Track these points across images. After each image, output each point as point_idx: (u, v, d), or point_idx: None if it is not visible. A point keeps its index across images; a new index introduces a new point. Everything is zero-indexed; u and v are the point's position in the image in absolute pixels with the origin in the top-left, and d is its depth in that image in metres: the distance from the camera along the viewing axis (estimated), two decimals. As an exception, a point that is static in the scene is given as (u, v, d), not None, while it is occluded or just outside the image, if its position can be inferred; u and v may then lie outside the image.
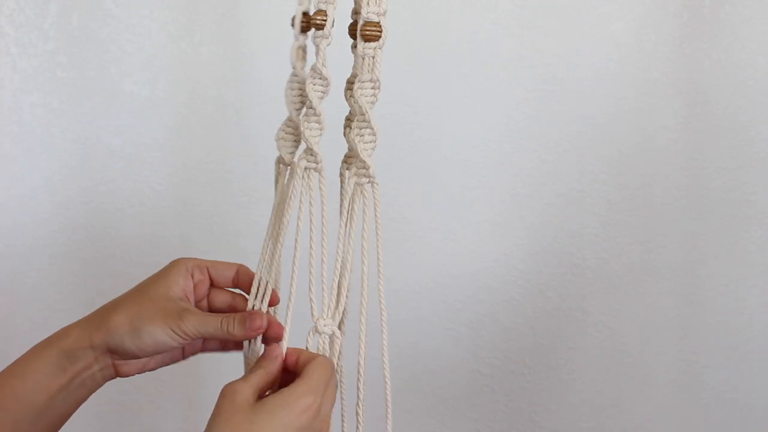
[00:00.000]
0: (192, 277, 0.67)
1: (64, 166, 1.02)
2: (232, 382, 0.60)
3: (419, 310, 1.12)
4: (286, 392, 0.58)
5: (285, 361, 0.63)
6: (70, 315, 1.04)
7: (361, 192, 0.65)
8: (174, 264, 0.67)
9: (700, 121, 1.13)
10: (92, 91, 1.01)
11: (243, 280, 0.68)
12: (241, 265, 0.69)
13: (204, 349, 0.69)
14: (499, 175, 1.11)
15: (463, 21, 1.07)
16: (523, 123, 1.10)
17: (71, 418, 1.10)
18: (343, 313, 0.67)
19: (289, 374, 0.62)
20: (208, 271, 0.68)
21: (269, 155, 1.08)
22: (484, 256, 1.12)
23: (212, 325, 0.63)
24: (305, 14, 0.64)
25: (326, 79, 0.63)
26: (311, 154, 0.64)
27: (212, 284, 0.68)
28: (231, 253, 1.07)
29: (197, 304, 0.67)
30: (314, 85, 0.63)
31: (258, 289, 0.66)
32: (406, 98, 1.07)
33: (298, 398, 0.57)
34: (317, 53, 0.63)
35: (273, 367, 0.62)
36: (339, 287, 0.65)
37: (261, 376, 0.61)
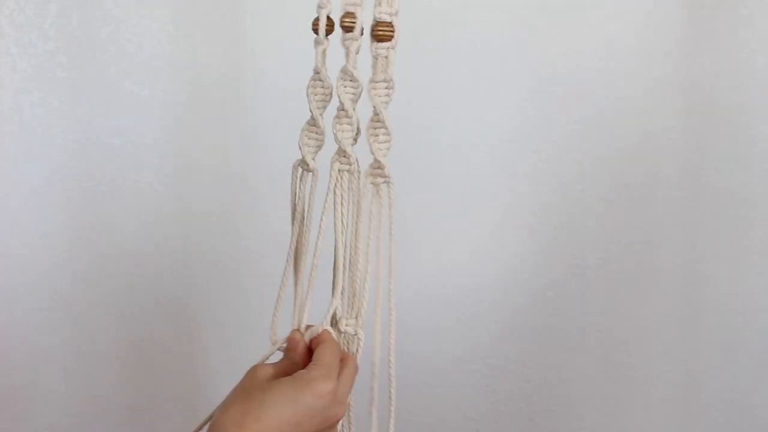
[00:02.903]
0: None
1: (63, 166, 1.02)
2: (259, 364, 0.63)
3: (419, 310, 1.12)
4: (299, 374, 0.60)
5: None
6: (69, 315, 1.05)
7: (377, 192, 0.66)
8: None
9: (700, 121, 1.13)
10: (92, 91, 1.01)
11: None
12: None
13: None
14: (499, 174, 1.11)
15: (464, 21, 1.07)
16: (523, 123, 1.10)
17: (71, 418, 1.11)
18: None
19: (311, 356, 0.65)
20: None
21: (269, 155, 1.08)
22: (485, 256, 1.12)
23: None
24: (328, 17, 0.64)
25: (357, 80, 0.64)
26: (344, 156, 0.65)
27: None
28: (232, 253, 1.07)
29: None
30: (345, 87, 0.64)
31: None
32: (406, 98, 1.07)
33: (310, 381, 0.59)
34: (347, 55, 0.63)
35: (295, 356, 0.64)
36: (361, 287, 0.66)
37: (285, 363, 0.64)
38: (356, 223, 0.66)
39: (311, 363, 0.61)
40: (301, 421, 0.57)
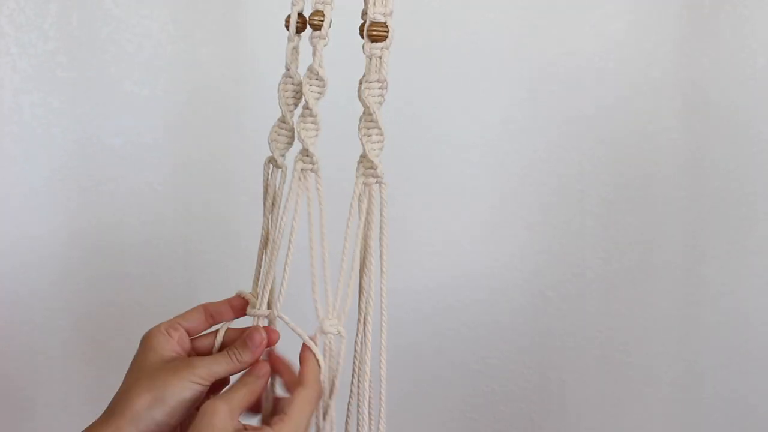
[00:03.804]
0: (170, 335, 0.65)
1: (64, 166, 1.02)
2: (213, 400, 0.60)
3: (419, 311, 1.12)
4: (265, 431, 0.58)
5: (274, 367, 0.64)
6: (69, 315, 1.05)
7: (369, 192, 0.66)
8: (147, 335, 0.65)
9: (700, 121, 1.13)
10: (92, 91, 1.01)
11: (216, 311, 0.68)
12: (207, 304, 0.68)
13: None
14: (499, 174, 1.11)
15: (464, 21, 1.07)
16: (523, 123, 1.10)
17: (71, 418, 1.10)
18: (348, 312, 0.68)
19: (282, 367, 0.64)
20: (180, 326, 0.66)
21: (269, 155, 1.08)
22: (484, 257, 1.12)
23: (222, 360, 0.63)
24: (300, 15, 0.64)
25: (323, 79, 0.63)
26: (307, 155, 0.64)
27: (189, 334, 0.66)
28: (231, 254, 1.07)
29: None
30: (311, 85, 0.63)
31: (260, 298, 0.67)
32: (405, 98, 1.07)
33: None
34: (314, 54, 0.63)
35: (257, 386, 0.62)
36: (347, 287, 0.66)
37: (244, 395, 0.61)
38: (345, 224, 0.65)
39: (281, 415, 0.59)
40: None
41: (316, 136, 0.64)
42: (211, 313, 0.67)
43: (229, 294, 1.08)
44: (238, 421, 0.59)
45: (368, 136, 0.65)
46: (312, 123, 0.64)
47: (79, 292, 1.05)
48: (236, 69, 1.04)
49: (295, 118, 0.65)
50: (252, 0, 1.03)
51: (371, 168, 0.65)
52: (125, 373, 0.65)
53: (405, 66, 1.06)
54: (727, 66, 1.12)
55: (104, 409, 0.64)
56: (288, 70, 0.65)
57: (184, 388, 0.60)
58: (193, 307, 0.67)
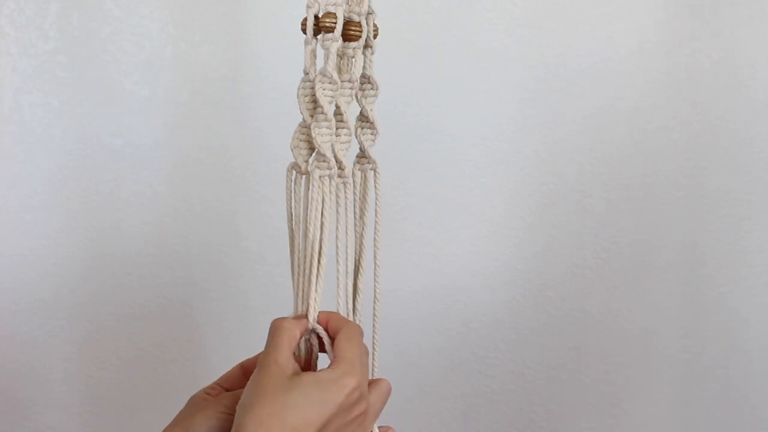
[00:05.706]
0: (209, 395, 0.68)
1: (64, 167, 1.02)
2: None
3: (419, 310, 1.12)
4: (322, 374, 0.59)
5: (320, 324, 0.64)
6: (70, 315, 1.05)
7: (335, 192, 0.65)
8: (188, 400, 0.69)
9: (700, 121, 1.13)
10: (92, 91, 1.01)
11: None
12: (243, 362, 0.70)
13: None
14: (499, 175, 1.11)
15: (463, 21, 1.07)
16: (522, 123, 1.10)
17: (71, 418, 1.10)
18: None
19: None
20: (220, 387, 0.69)
21: (269, 155, 1.08)
22: (484, 256, 1.12)
23: None
24: (315, 17, 0.63)
25: (336, 82, 0.62)
26: (323, 160, 0.63)
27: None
28: (231, 254, 1.07)
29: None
30: (323, 89, 0.62)
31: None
32: (405, 98, 1.07)
33: (335, 381, 0.58)
34: (327, 56, 0.62)
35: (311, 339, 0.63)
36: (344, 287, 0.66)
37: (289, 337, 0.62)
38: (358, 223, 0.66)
39: (333, 360, 0.60)
40: (327, 420, 0.57)
41: (332, 140, 0.63)
42: (247, 367, 0.68)
43: (229, 294, 1.08)
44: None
45: (338, 135, 0.64)
46: (326, 127, 0.62)
47: (79, 292, 1.05)
48: (236, 69, 1.04)
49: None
50: (252, 0, 1.03)
51: (340, 168, 0.64)
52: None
53: (405, 66, 1.06)
54: (727, 66, 1.12)
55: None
56: (307, 74, 0.64)
57: (210, 417, 0.64)
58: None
